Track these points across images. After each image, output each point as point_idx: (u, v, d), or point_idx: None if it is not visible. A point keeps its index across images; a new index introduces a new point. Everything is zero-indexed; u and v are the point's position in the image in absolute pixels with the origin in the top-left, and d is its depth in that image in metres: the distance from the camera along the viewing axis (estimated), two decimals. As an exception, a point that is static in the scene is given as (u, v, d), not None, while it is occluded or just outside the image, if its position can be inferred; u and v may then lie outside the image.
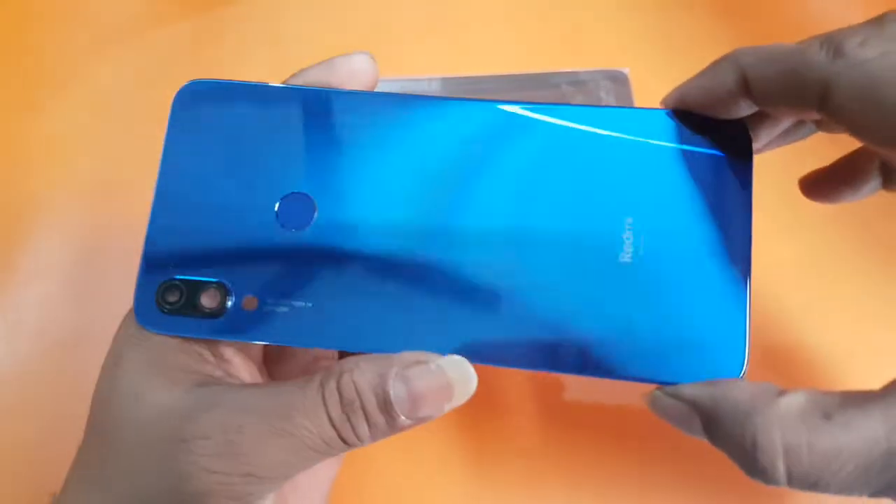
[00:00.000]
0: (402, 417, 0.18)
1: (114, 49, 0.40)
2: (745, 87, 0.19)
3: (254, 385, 0.20)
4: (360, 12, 0.42)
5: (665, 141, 0.20)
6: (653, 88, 0.37)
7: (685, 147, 0.20)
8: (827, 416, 0.16)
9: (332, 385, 0.18)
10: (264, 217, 0.21)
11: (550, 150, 0.21)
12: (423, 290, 0.20)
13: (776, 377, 0.26)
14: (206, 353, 0.20)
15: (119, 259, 0.34)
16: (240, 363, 0.22)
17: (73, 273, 0.34)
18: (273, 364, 0.24)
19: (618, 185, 0.20)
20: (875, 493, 0.16)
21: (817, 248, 0.32)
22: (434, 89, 0.38)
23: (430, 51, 0.40)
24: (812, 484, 0.16)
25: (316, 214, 0.21)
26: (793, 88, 0.18)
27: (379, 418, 0.18)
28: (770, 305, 0.30)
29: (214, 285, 0.20)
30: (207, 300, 0.20)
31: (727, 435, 0.17)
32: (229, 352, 0.21)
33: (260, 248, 0.20)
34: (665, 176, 0.20)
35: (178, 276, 0.20)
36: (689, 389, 0.19)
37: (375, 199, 0.21)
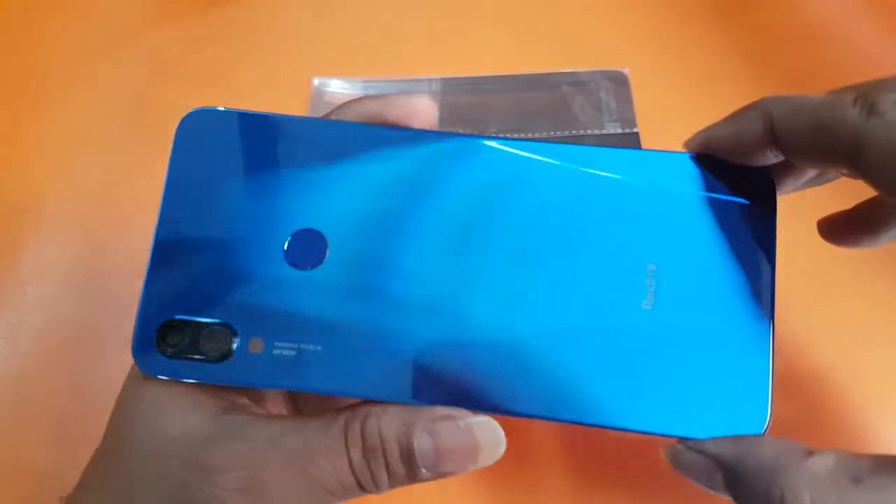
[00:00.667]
0: (424, 470, 0.18)
1: (114, 49, 0.40)
2: (773, 138, 0.18)
3: (278, 418, 0.19)
4: (360, 12, 0.42)
5: (688, 186, 0.20)
6: (652, 88, 0.38)
7: (708, 193, 0.20)
8: (857, 481, 0.16)
9: (356, 429, 0.18)
10: (272, 254, 0.19)
11: (574, 193, 0.20)
12: (439, 337, 0.19)
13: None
14: None
15: (119, 259, 0.34)
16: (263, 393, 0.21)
17: (73, 273, 0.34)
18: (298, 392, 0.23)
19: (641, 231, 0.20)
20: None
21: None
22: (434, 89, 0.38)
23: (430, 51, 0.40)
24: None
25: (328, 253, 0.20)
26: (823, 144, 0.18)
27: (399, 468, 0.18)
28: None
29: (219, 326, 0.19)
30: (212, 342, 0.19)
31: (752, 493, 0.17)
32: None
33: (267, 288, 0.19)
34: (688, 222, 0.20)
35: (180, 317, 0.19)
36: (712, 445, 0.18)
37: (391, 240, 0.20)
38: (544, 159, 0.20)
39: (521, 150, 0.20)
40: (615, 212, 0.20)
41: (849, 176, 0.19)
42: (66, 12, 0.42)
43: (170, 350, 0.19)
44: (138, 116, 0.38)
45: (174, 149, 0.20)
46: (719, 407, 0.19)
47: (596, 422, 0.19)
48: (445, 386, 0.19)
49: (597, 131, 0.36)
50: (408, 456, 0.18)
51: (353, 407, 0.18)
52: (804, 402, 0.29)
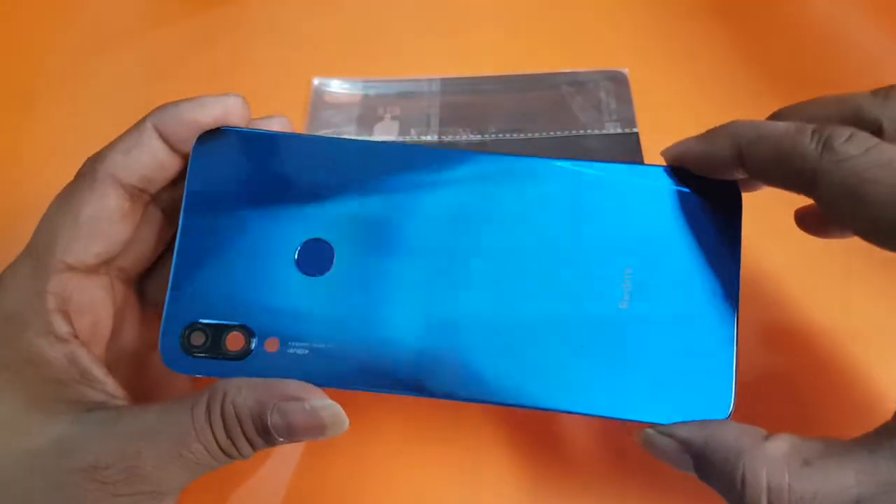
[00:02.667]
0: (280, 439, 0.20)
1: (114, 49, 0.40)
2: (740, 159, 0.20)
3: (141, 408, 0.20)
4: (359, 12, 0.42)
5: (662, 197, 0.22)
6: (652, 88, 0.38)
7: (681, 202, 0.22)
8: (807, 462, 0.18)
9: (217, 411, 0.19)
10: (285, 262, 0.22)
11: (559, 203, 0.22)
12: (436, 331, 0.21)
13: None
14: (81, 378, 0.20)
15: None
16: (113, 385, 0.22)
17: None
18: (143, 370, 0.25)
19: (620, 238, 0.22)
20: None
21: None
22: (434, 89, 0.38)
23: (430, 51, 0.40)
24: None
25: (334, 260, 0.22)
26: (784, 172, 0.20)
27: (258, 440, 0.20)
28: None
29: (238, 328, 0.21)
30: (232, 343, 0.21)
31: (717, 473, 0.19)
32: (101, 373, 0.21)
33: (280, 293, 0.21)
34: (662, 229, 0.22)
35: (202, 320, 0.21)
36: (681, 430, 0.20)
37: (391, 246, 0.22)
38: (534, 172, 0.22)
39: (512, 164, 0.22)
40: (597, 219, 0.22)
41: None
42: (65, 12, 0.42)
43: (194, 350, 0.21)
44: (138, 116, 0.38)
45: (191, 166, 0.22)
46: (689, 395, 0.21)
47: (579, 410, 0.21)
48: (441, 379, 0.21)
49: (597, 131, 0.36)
50: (264, 431, 0.20)
51: (216, 383, 0.20)
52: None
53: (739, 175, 0.21)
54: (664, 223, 0.22)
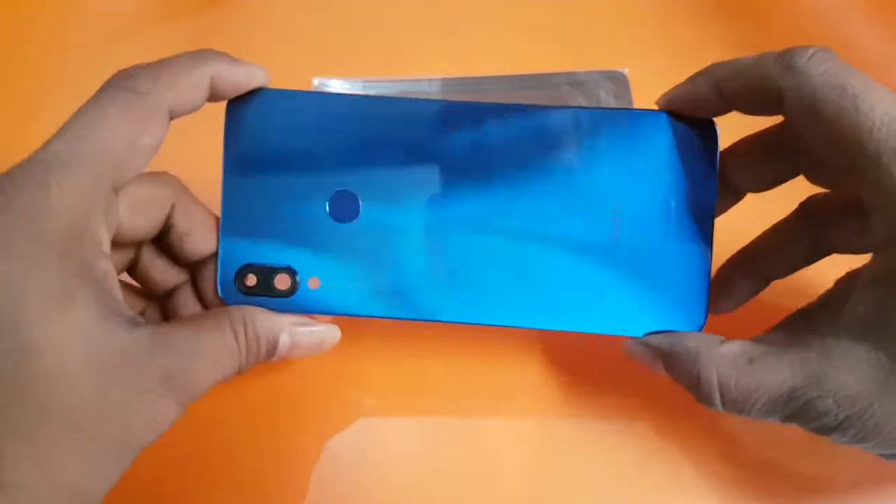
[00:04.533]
0: (277, 356, 0.24)
1: (114, 49, 0.40)
2: (719, 94, 0.23)
3: (179, 326, 0.21)
4: (360, 12, 0.42)
5: (651, 135, 0.24)
6: (652, 88, 0.38)
7: (664, 140, 0.24)
8: (751, 361, 0.22)
9: (242, 334, 0.22)
10: (318, 211, 0.24)
11: (558, 146, 0.25)
12: (449, 264, 0.24)
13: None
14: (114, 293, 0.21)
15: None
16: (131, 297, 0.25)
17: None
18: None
19: (610, 174, 0.24)
20: (783, 420, 0.22)
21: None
22: (434, 90, 0.38)
23: (430, 51, 0.40)
24: (739, 410, 0.22)
25: (361, 208, 0.24)
26: (755, 96, 0.22)
27: (263, 355, 0.23)
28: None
29: (284, 269, 0.24)
30: (279, 282, 0.24)
31: (680, 372, 0.23)
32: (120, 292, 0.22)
33: (317, 238, 0.24)
34: (647, 165, 0.24)
35: (252, 262, 0.24)
36: (654, 339, 0.24)
37: (408, 193, 0.24)
38: (533, 116, 0.25)
39: (515, 113, 0.25)
40: (591, 161, 0.25)
41: (811, 179, 0.25)
42: (65, 12, 0.42)
43: (248, 289, 0.24)
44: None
45: (227, 124, 0.24)
46: (668, 312, 0.25)
47: (573, 328, 0.25)
48: (455, 303, 0.24)
49: (596, 131, 0.36)
50: (273, 348, 0.23)
51: (228, 310, 0.23)
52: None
53: (720, 110, 0.24)
54: (649, 159, 0.24)
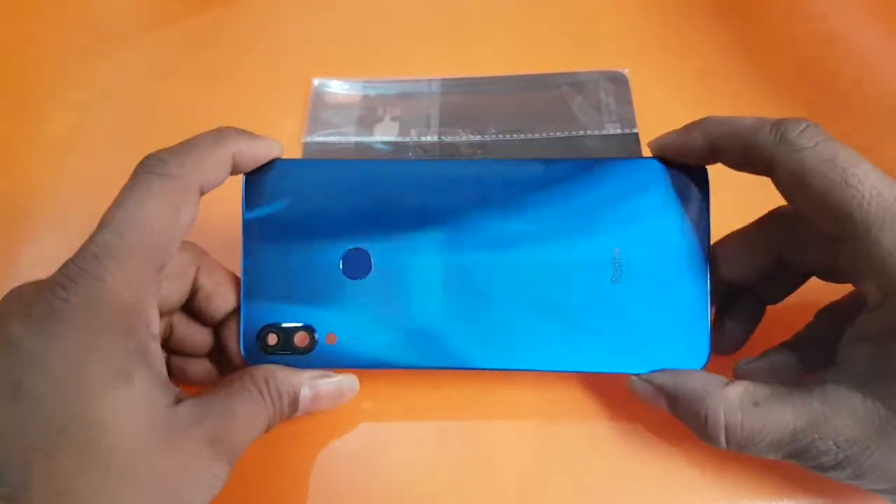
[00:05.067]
0: (299, 412, 0.25)
1: (114, 49, 0.40)
2: (711, 149, 0.24)
3: (215, 394, 0.23)
4: (359, 12, 0.42)
5: (645, 181, 0.26)
6: (652, 89, 0.38)
7: (660, 187, 0.26)
8: (756, 404, 0.23)
9: (266, 392, 0.24)
10: (332, 270, 0.26)
11: (558, 195, 0.26)
12: (460, 316, 0.26)
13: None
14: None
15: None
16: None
17: (72, 273, 0.34)
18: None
19: (610, 221, 0.26)
20: (784, 458, 0.23)
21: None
22: (434, 90, 0.38)
23: (430, 51, 0.40)
24: (742, 448, 0.23)
25: (372, 264, 0.26)
26: (748, 160, 0.23)
27: (287, 410, 0.24)
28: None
29: (303, 328, 0.26)
30: (299, 340, 0.26)
31: (685, 412, 0.24)
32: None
33: (332, 295, 0.26)
34: (644, 210, 0.26)
35: (272, 323, 0.26)
36: (657, 377, 0.25)
37: (417, 247, 0.26)
38: (533, 169, 0.26)
39: (513, 167, 0.26)
40: (591, 207, 0.26)
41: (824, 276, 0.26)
42: (65, 12, 0.42)
43: (269, 349, 0.26)
44: (138, 116, 0.38)
45: (245, 193, 0.26)
46: (671, 351, 0.25)
47: (579, 368, 0.26)
48: (466, 354, 0.25)
49: (596, 132, 0.36)
50: (295, 402, 0.25)
51: (249, 371, 0.24)
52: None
53: (709, 162, 0.25)
54: (645, 205, 0.26)
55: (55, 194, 0.36)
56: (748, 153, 0.23)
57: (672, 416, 0.25)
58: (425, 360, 0.26)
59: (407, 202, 0.26)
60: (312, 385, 0.25)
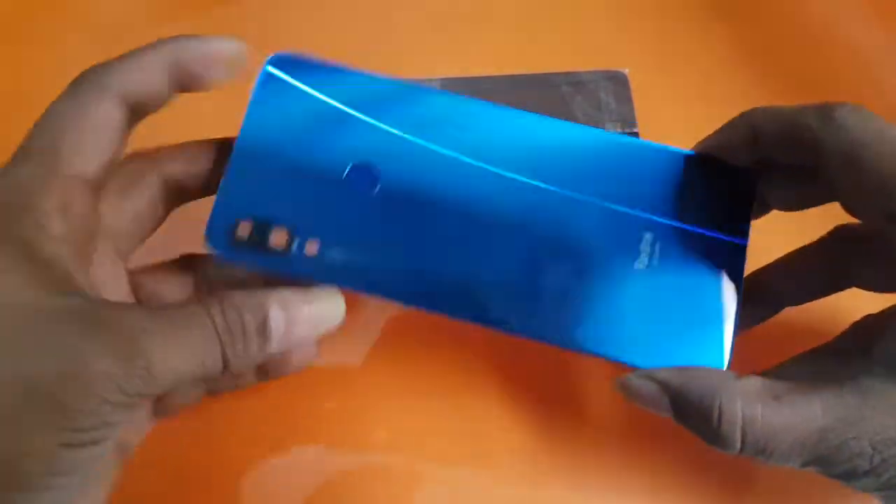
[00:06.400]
0: (273, 344, 0.20)
1: (114, 49, 0.40)
2: (756, 139, 0.23)
3: (138, 306, 0.20)
4: (359, 12, 0.42)
5: (688, 173, 0.25)
6: (652, 89, 0.38)
7: (702, 182, 0.24)
8: (777, 398, 0.20)
9: (217, 308, 0.19)
10: (335, 177, 0.24)
11: (598, 166, 0.25)
12: (461, 260, 0.24)
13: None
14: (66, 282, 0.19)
15: (119, 259, 0.34)
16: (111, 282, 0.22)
17: (72, 273, 0.34)
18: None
19: (645, 205, 0.24)
20: (804, 464, 0.20)
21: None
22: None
23: (430, 51, 0.40)
24: (759, 450, 0.20)
25: (380, 184, 0.24)
26: (792, 143, 0.22)
27: (253, 341, 0.20)
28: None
29: (283, 227, 0.23)
30: (276, 238, 0.23)
31: (694, 409, 0.21)
32: (86, 283, 0.20)
33: (327, 202, 0.23)
34: (683, 204, 0.24)
35: (251, 214, 0.23)
36: (661, 373, 0.22)
37: (436, 179, 0.24)
38: (578, 135, 0.25)
39: (555, 125, 0.25)
40: (631, 188, 0.24)
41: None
42: (65, 12, 0.42)
43: (239, 240, 0.23)
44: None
45: (262, 77, 0.24)
46: (684, 352, 0.23)
47: (580, 347, 0.23)
48: (461, 298, 0.23)
49: (596, 131, 0.36)
50: (263, 327, 0.20)
51: (197, 295, 0.21)
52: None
53: (755, 158, 0.24)
54: (685, 198, 0.24)
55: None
56: (793, 134, 0.22)
57: (667, 428, 0.22)
58: (411, 296, 0.23)
59: (436, 131, 0.24)
60: (284, 304, 0.21)
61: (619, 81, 0.38)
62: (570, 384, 0.30)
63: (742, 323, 0.26)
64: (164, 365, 0.18)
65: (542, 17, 0.42)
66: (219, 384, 0.26)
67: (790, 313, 0.27)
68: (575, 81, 0.38)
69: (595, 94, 0.38)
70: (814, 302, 0.26)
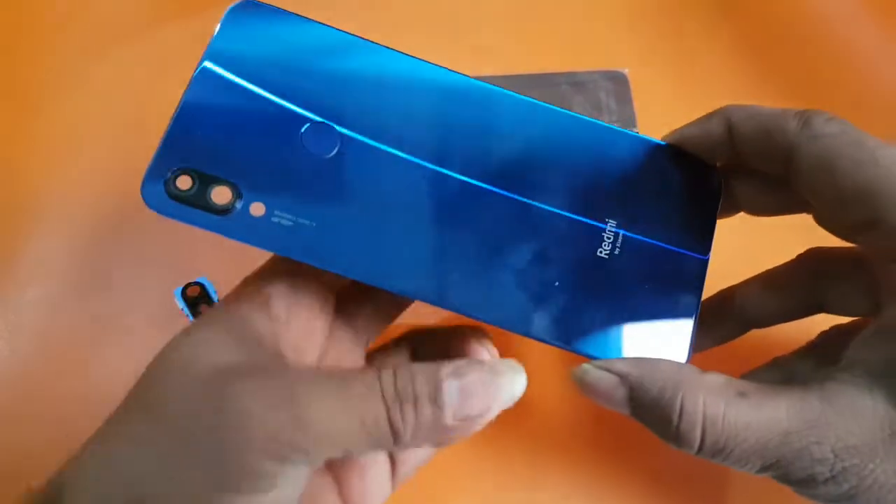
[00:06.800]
0: (448, 415, 0.18)
1: (114, 49, 0.40)
2: (730, 135, 0.22)
3: (308, 366, 0.21)
4: (359, 12, 0.42)
5: (656, 165, 0.24)
6: (652, 88, 0.38)
7: (670, 174, 0.24)
8: (742, 395, 0.19)
9: (389, 371, 0.19)
10: (290, 136, 0.22)
11: (566, 147, 0.24)
12: (419, 230, 0.22)
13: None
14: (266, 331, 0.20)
15: (119, 259, 0.34)
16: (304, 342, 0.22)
17: (72, 273, 0.34)
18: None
19: (613, 193, 0.23)
20: (763, 468, 0.19)
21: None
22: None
23: (431, 51, 0.40)
24: (718, 451, 0.19)
25: (338, 146, 0.22)
26: (766, 146, 0.22)
27: (426, 409, 0.18)
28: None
29: (228, 184, 0.21)
30: (217, 195, 0.21)
31: (653, 403, 0.20)
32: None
33: (278, 163, 0.21)
34: (649, 193, 0.24)
35: (193, 167, 0.21)
36: (619, 364, 0.21)
37: (394, 144, 0.22)
38: (545, 115, 0.24)
39: (524, 103, 0.24)
40: (597, 173, 0.24)
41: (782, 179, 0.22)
42: (65, 12, 0.42)
43: (177, 193, 0.21)
44: (138, 116, 0.38)
45: (222, 22, 0.22)
46: (643, 345, 0.22)
47: (532, 333, 0.22)
48: (414, 277, 0.21)
49: (597, 131, 0.36)
50: (435, 396, 0.18)
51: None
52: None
53: (725, 156, 0.23)
54: (651, 188, 0.24)
55: (55, 194, 0.36)
56: (769, 138, 0.21)
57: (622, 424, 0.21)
58: (356, 270, 0.21)
59: (402, 100, 0.23)
60: (459, 372, 0.19)
61: (619, 81, 0.38)
62: (565, 387, 0.30)
63: (706, 341, 0.25)
64: (318, 417, 0.17)
65: (543, 17, 0.42)
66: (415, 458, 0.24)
67: (757, 333, 0.26)
68: (575, 81, 0.38)
69: (595, 94, 0.38)
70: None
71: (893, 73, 0.38)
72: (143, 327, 0.32)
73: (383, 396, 0.18)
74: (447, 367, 0.19)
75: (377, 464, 0.23)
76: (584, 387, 0.21)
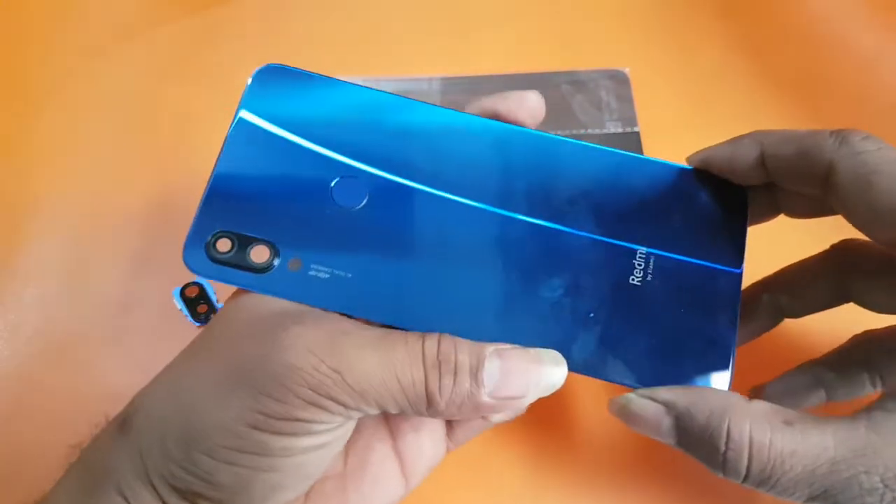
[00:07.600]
0: (486, 391, 0.19)
1: (114, 49, 0.40)
2: (762, 160, 0.22)
3: (358, 322, 0.22)
4: (360, 12, 0.42)
5: (683, 191, 0.24)
6: (653, 88, 0.38)
7: (699, 200, 0.24)
8: (788, 423, 0.19)
9: (433, 338, 0.19)
10: (320, 191, 0.23)
11: (590, 180, 0.24)
12: (451, 278, 0.22)
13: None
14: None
15: (119, 259, 0.34)
16: None
17: (72, 273, 0.34)
18: None
19: (640, 220, 0.23)
20: (810, 498, 0.19)
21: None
22: (434, 89, 0.38)
23: (430, 51, 0.40)
24: (765, 479, 0.19)
25: (367, 198, 0.23)
26: (803, 167, 0.21)
27: (465, 381, 0.19)
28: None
29: (265, 243, 0.22)
30: (256, 255, 0.22)
31: (699, 431, 0.20)
32: None
33: (311, 218, 0.22)
34: (679, 220, 0.23)
35: (232, 229, 0.22)
36: (664, 392, 0.21)
37: (423, 196, 0.23)
38: (568, 150, 0.24)
39: (544, 140, 0.24)
40: (627, 203, 0.23)
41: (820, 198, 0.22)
42: (66, 12, 0.42)
43: (218, 256, 0.22)
44: (138, 116, 0.38)
45: (249, 88, 0.24)
46: (682, 372, 0.22)
47: (572, 368, 0.21)
48: (451, 319, 0.22)
49: (597, 130, 0.36)
50: (476, 370, 0.19)
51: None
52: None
53: (756, 179, 0.23)
54: (682, 216, 0.23)
55: (55, 194, 0.36)
56: (807, 158, 0.21)
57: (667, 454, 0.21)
58: (392, 318, 0.22)
59: (426, 146, 0.23)
60: (503, 354, 0.20)
61: (619, 80, 0.38)
62: (569, 401, 0.30)
63: (742, 335, 0.25)
64: (358, 373, 0.18)
65: (543, 17, 0.42)
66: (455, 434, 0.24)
67: (787, 325, 0.26)
68: (575, 80, 0.38)
69: (596, 93, 0.38)
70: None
71: (893, 73, 0.38)
72: (143, 327, 0.32)
73: (424, 362, 0.19)
74: (492, 346, 0.20)
75: (432, 421, 0.23)
76: (627, 417, 0.21)
